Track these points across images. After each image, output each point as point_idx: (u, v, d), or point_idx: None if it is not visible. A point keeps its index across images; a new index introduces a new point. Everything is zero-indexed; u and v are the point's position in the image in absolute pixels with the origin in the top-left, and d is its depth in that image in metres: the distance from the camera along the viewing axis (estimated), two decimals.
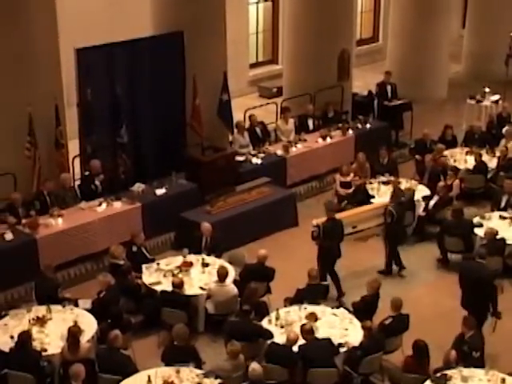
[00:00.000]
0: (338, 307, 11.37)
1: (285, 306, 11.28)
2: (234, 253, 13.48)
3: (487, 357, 10.41)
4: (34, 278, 11.73)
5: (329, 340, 10.17)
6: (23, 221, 12.79)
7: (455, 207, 13.81)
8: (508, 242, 12.94)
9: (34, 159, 13.26)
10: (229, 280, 11.63)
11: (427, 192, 14.77)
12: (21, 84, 13.05)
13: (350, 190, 15.01)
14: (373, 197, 14.62)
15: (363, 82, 20.69)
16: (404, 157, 17.61)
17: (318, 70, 17.76)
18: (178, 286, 11.32)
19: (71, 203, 13.53)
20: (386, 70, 19.75)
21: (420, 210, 14.40)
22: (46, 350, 10.08)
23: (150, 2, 15.41)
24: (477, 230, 13.33)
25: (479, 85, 19.86)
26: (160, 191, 14.18)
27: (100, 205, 13.46)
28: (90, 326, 10.60)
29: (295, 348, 10.03)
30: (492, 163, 15.91)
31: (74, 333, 9.95)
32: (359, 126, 17.39)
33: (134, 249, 12.37)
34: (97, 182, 14.01)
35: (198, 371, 9.79)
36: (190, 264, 12.16)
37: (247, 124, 16.67)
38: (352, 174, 15.25)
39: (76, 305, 11.22)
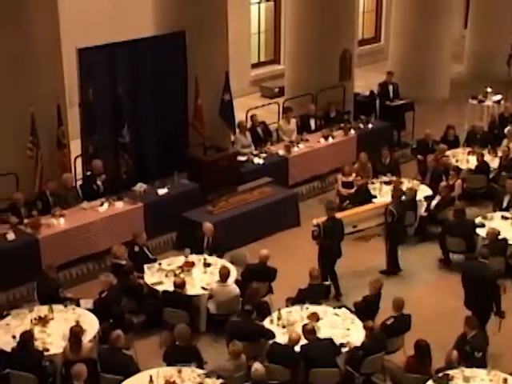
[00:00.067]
0: (339, 307, 11.36)
1: (287, 306, 11.27)
2: (236, 253, 13.46)
3: (489, 357, 10.39)
4: (36, 277, 11.73)
5: (331, 340, 10.17)
6: (25, 221, 12.79)
7: (457, 207, 13.79)
8: (510, 242, 12.92)
9: (36, 159, 13.27)
10: (231, 280, 11.62)
11: (429, 192, 14.75)
12: (23, 84, 13.05)
13: (352, 190, 14.97)
14: (375, 197, 14.59)
15: (365, 82, 20.65)
16: (406, 157, 17.60)
17: (319, 70, 17.74)
18: (180, 286, 11.31)
19: (73, 203, 13.53)
20: (387, 70, 19.75)
21: (422, 210, 14.38)
22: (47, 350, 10.08)
23: (151, 2, 15.41)
24: (479, 230, 13.30)
25: (481, 85, 19.82)
26: (162, 191, 14.17)
27: (102, 205, 13.46)
28: (91, 325, 10.59)
29: (297, 348, 10.03)
30: (494, 163, 15.89)
31: (75, 333, 9.95)
32: (361, 126, 17.37)
33: (136, 249, 12.37)
34: (99, 182, 14.01)
35: (200, 371, 9.78)
36: (192, 264, 12.16)
37: (249, 124, 16.64)
38: (354, 174, 15.23)
39: (78, 305, 11.21)
